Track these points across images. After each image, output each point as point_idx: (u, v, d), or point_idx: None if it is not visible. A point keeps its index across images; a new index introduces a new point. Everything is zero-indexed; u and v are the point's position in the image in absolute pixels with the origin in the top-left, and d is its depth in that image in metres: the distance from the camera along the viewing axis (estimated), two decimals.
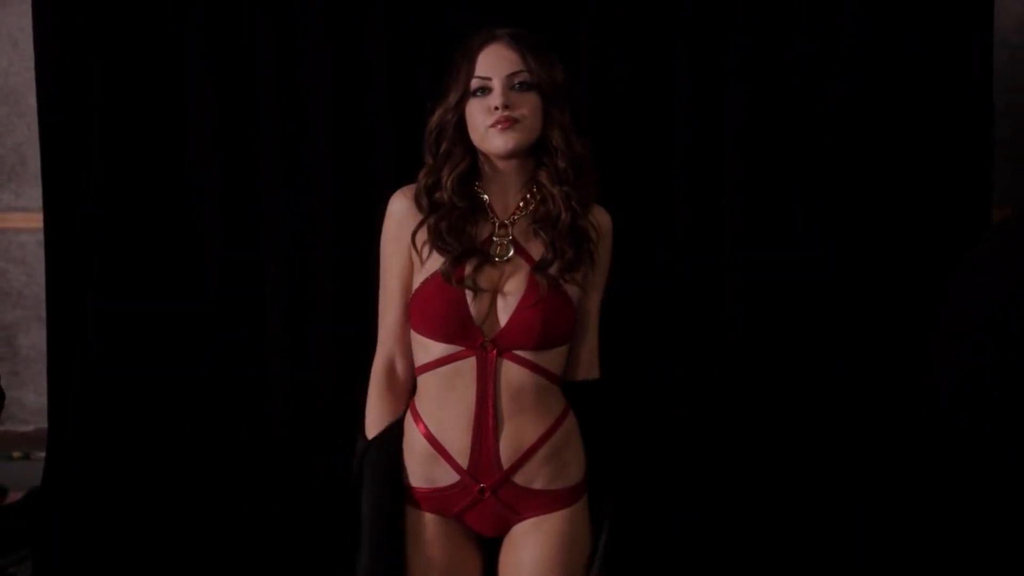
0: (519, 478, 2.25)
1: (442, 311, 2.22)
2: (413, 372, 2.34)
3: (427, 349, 2.26)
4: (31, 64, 3.17)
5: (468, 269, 2.22)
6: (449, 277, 2.23)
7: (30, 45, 3.15)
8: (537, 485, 2.25)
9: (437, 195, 2.26)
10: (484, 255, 2.24)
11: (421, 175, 2.29)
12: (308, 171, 2.92)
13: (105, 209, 2.91)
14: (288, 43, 2.89)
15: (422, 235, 2.26)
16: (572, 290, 2.26)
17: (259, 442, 2.98)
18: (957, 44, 2.77)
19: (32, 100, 3.15)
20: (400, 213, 2.30)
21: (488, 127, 2.22)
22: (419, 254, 2.27)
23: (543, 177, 2.28)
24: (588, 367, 2.38)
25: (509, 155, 2.25)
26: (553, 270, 2.23)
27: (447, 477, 2.26)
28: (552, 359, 2.26)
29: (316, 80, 2.89)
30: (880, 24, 2.79)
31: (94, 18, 2.87)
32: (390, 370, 2.36)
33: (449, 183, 2.25)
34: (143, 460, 2.96)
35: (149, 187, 2.93)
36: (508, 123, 2.20)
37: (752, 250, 2.88)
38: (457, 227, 2.25)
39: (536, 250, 2.26)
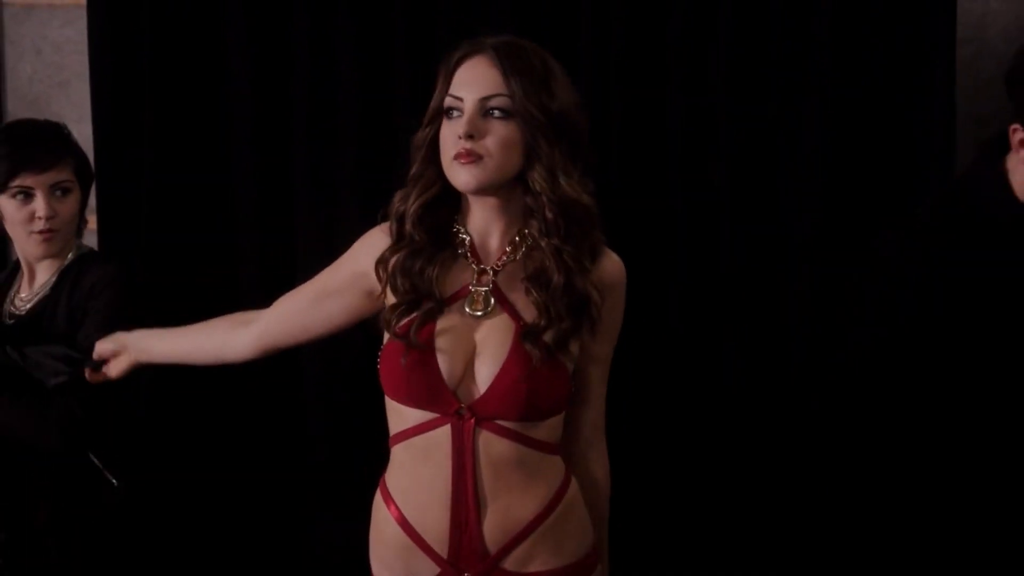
0: (510, 563, 1.89)
1: (407, 370, 1.85)
2: (251, 348, 2.09)
3: (400, 415, 1.91)
4: (53, 72, 3.28)
5: (415, 322, 1.85)
6: (390, 326, 1.88)
7: (53, 54, 3.27)
8: (534, 567, 1.90)
9: (408, 226, 1.90)
10: (446, 305, 1.88)
11: (396, 198, 1.95)
12: (336, 175, 3.04)
13: (156, 216, 3.07)
14: (321, 50, 3.01)
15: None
16: (567, 358, 1.90)
17: (291, 437, 3.11)
18: (920, 48, 2.88)
19: (55, 107, 3.25)
20: (373, 245, 1.97)
21: (452, 158, 1.84)
22: (382, 291, 1.94)
23: (532, 226, 1.89)
24: (588, 441, 2.02)
25: (474, 193, 1.87)
26: (547, 338, 1.85)
27: (425, 569, 1.90)
28: (544, 429, 1.90)
29: (346, 87, 3.02)
30: (851, 30, 2.90)
31: (143, 26, 3.02)
32: (244, 324, 2.11)
33: (412, 211, 1.89)
34: (181, 450, 3.10)
35: (193, 200, 3.08)
36: (470, 158, 1.81)
37: (742, 248, 2.98)
38: (410, 266, 1.88)
39: (524, 306, 1.88)
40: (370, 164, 2.97)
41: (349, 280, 2.00)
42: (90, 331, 2.42)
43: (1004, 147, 1.94)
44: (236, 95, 3.05)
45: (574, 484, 1.96)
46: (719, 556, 2.98)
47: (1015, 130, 1.90)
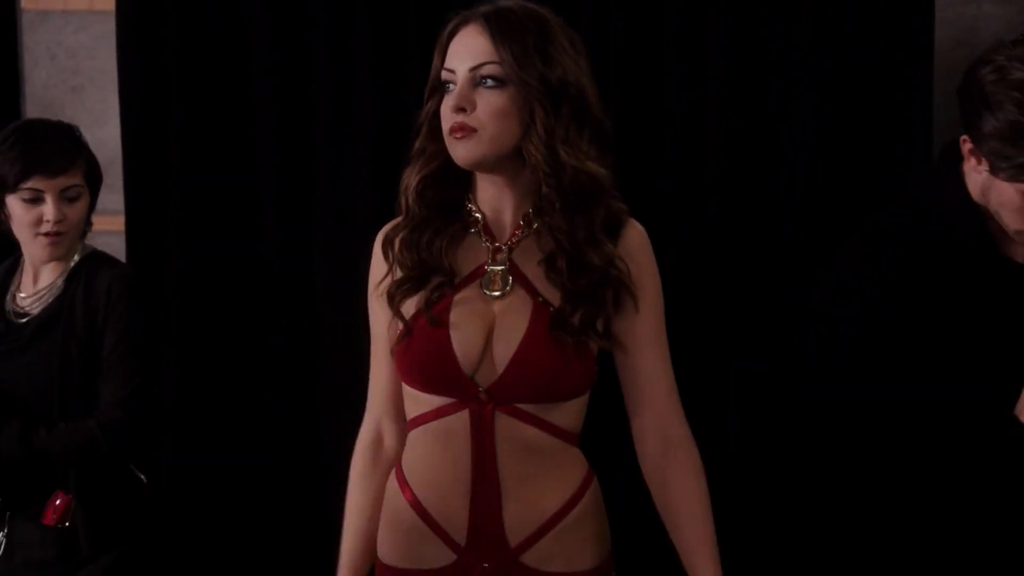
0: (530, 558, 1.79)
1: (420, 353, 1.77)
2: (404, 440, 1.90)
3: (416, 400, 1.82)
4: (67, 77, 3.35)
5: (426, 304, 1.77)
6: (393, 302, 1.79)
7: (67, 59, 3.35)
8: (553, 567, 1.80)
9: (411, 200, 1.82)
10: (462, 285, 1.79)
11: (404, 175, 1.85)
12: (354, 175, 3.12)
13: (183, 217, 3.15)
14: (339, 56, 3.09)
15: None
16: (593, 339, 1.79)
17: (304, 422, 3.19)
18: (901, 52, 2.96)
19: (68, 112, 3.31)
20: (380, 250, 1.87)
21: (447, 133, 1.75)
22: (388, 270, 1.84)
23: (535, 201, 1.79)
24: (667, 442, 1.85)
25: (472, 168, 1.78)
26: (575, 321, 1.75)
27: (440, 557, 1.81)
28: (565, 414, 1.81)
29: (363, 90, 3.09)
30: (839, 31, 2.97)
31: (170, 32, 3.11)
32: (377, 441, 1.93)
33: (414, 184, 1.80)
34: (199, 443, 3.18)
35: (219, 201, 3.15)
36: (463, 132, 1.72)
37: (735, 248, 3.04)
38: (416, 239, 1.80)
39: (543, 284, 1.78)
40: (386, 163, 3.02)
41: (386, 307, 1.85)
42: (110, 346, 2.45)
43: (961, 153, 2.03)
44: (259, 99, 3.14)
45: (596, 482, 1.88)
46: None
47: (964, 141, 1.98)
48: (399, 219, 1.84)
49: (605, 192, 1.77)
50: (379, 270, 1.86)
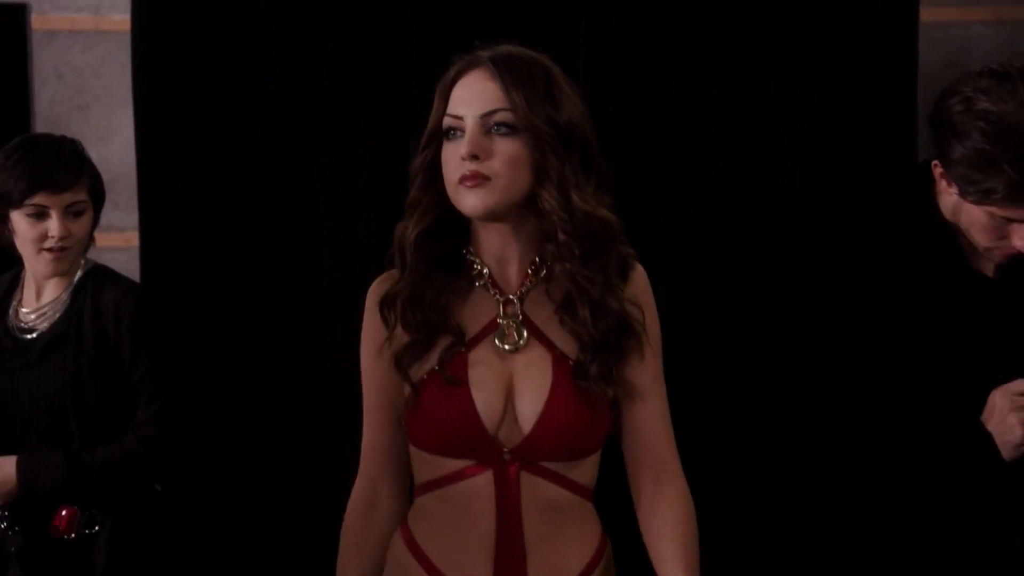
0: None
1: (440, 417, 1.70)
2: (401, 503, 1.84)
3: (431, 464, 1.74)
4: (74, 95, 3.41)
5: (442, 360, 1.70)
6: (400, 367, 1.72)
7: (74, 78, 3.41)
8: None
9: (408, 256, 1.74)
10: (475, 343, 1.73)
11: (397, 230, 1.77)
12: (356, 175, 3.19)
13: (194, 218, 3.22)
14: (340, 53, 3.17)
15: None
16: (609, 386, 1.74)
17: (310, 439, 3.24)
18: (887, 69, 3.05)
19: (75, 129, 3.35)
20: (377, 309, 1.78)
21: (456, 182, 1.67)
22: (389, 335, 1.76)
23: (548, 250, 1.73)
24: (657, 480, 1.80)
25: (483, 218, 1.72)
26: (594, 370, 1.70)
27: None
28: (584, 471, 1.75)
29: (364, 90, 3.17)
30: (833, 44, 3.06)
31: (182, 48, 3.19)
32: (371, 505, 1.83)
33: (411, 239, 1.72)
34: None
35: (227, 201, 3.23)
36: (475, 180, 1.65)
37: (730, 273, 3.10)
38: (419, 296, 1.72)
39: (558, 335, 1.73)
40: (387, 165, 3.09)
41: (388, 368, 1.78)
42: (131, 364, 2.49)
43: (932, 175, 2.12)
44: (264, 107, 3.20)
45: (608, 539, 1.82)
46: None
47: (935, 165, 2.07)
48: (391, 273, 1.78)
49: (616, 236, 1.74)
50: (376, 329, 1.78)
